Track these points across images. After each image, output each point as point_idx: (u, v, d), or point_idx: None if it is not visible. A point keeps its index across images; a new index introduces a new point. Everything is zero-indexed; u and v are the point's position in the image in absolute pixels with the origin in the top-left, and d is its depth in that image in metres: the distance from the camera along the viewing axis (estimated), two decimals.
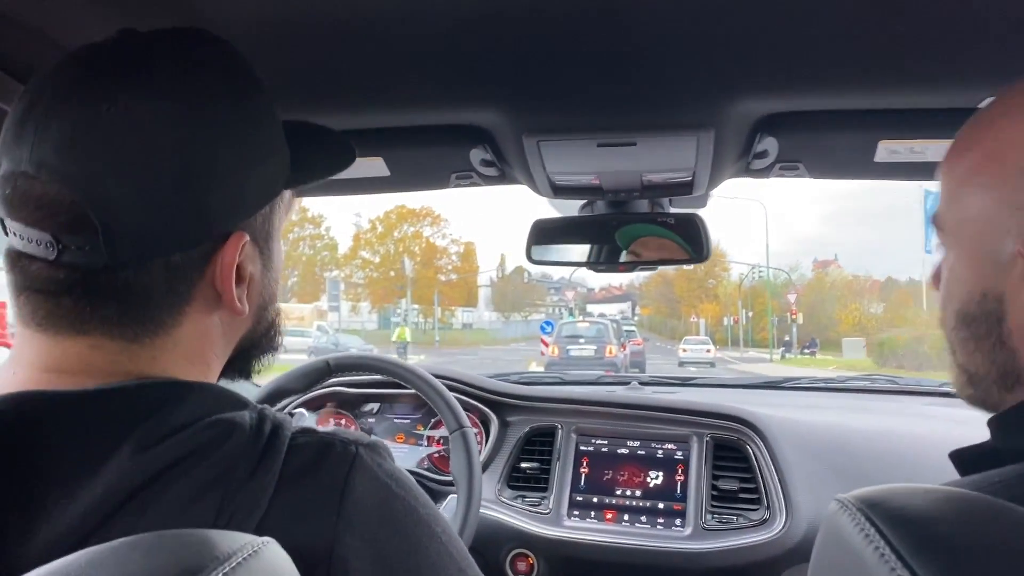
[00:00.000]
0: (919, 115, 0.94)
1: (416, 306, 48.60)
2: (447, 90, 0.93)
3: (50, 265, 0.51)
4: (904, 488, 0.47)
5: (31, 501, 0.47)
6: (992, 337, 0.54)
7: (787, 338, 35.54)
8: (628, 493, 1.52)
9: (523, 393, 1.71)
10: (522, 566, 1.48)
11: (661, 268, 1.47)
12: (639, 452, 1.56)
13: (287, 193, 0.63)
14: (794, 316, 34.90)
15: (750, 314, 45.72)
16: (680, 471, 1.51)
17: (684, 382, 2.12)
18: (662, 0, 0.70)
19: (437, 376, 1.42)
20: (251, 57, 0.58)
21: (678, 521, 1.46)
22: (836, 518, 0.48)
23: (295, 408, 1.70)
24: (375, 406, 1.77)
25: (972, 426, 0.64)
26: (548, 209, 1.36)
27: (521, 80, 0.89)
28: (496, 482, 1.58)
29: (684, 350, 29.71)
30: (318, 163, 0.65)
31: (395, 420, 1.74)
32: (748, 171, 1.15)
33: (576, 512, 1.51)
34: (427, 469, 1.61)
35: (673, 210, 1.28)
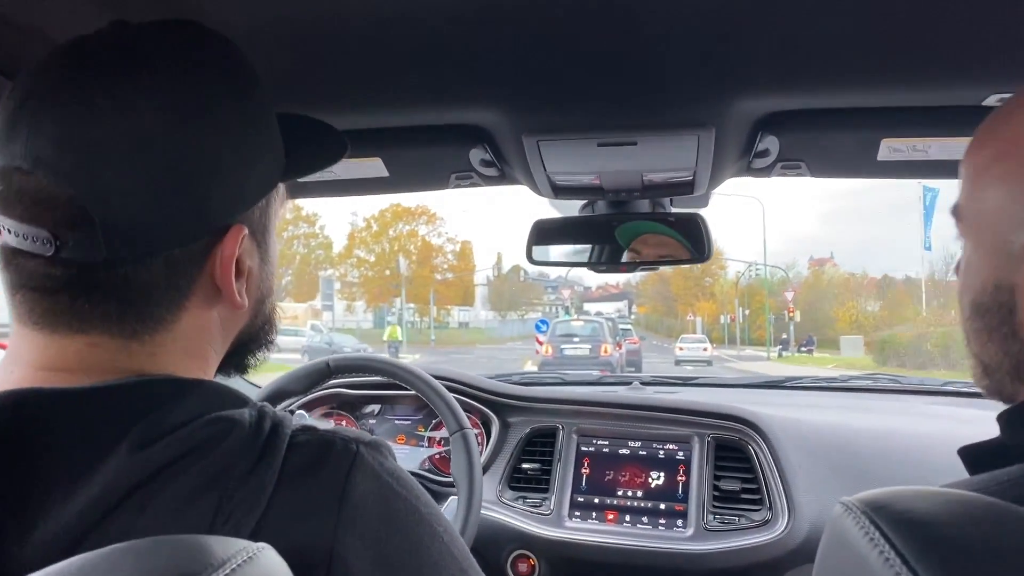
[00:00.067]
0: (922, 113, 0.94)
1: (412, 305, 48.56)
2: (446, 90, 0.92)
3: (47, 262, 0.50)
4: (909, 491, 0.46)
5: (29, 500, 0.46)
6: (1004, 328, 0.54)
7: (784, 336, 35.55)
8: (629, 494, 1.51)
9: (524, 394, 1.70)
10: (523, 567, 1.48)
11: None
12: (640, 453, 1.55)
13: (281, 186, 0.62)
14: (791, 314, 34.96)
15: (747, 312, 45.73)
16: (682, 471, 1.51)
17: (685, 382, 2.11)
18: None
19: (437, 377, 1.42)
20: (250, 57, 0.58)
21: (680, 522, 1.45)
22: (840, 521, 0.47)
23: (295, 409, 1.70)
24: (376, 407, 1.77)
25: (977, 425, 0.64)
26: (548, 209, 1.36)
27: (521, 80, 0.88)
28: (497, 483, 1.58)
29: (680, 348, 29.56)
30: (313, 155, 0.65)
31: (396, 421, 1.74)
32: (749, 170, 1.15)
33: (577, 513, 1.51)
34: (428, 470, 1.61)
35: (674, 210, 1.28)
